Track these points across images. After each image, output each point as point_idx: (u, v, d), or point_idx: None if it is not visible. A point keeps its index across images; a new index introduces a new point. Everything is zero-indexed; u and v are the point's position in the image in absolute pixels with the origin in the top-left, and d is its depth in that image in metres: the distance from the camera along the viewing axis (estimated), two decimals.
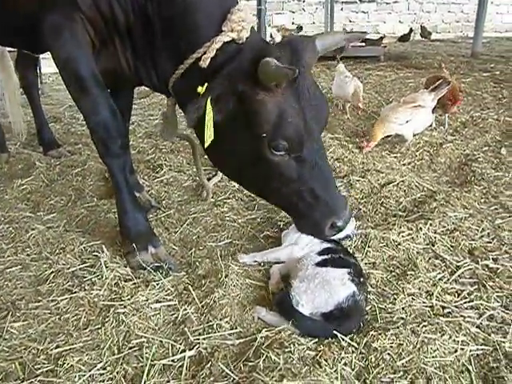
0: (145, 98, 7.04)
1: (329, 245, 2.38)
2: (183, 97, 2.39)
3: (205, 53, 2.17)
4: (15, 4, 2.48)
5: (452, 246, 2.70)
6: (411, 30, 11.62)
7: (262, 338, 1.97)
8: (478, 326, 2.06)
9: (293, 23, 12.85)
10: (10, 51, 4.79)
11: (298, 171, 2.20)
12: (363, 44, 9.84)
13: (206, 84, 2.11)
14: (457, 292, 2.31)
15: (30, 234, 2.97)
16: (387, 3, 14.09)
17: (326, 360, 1.81)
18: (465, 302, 2.22)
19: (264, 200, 2.68)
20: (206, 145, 2.16)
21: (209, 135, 2.13)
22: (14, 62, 4.82)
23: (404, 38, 11.35)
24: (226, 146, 2.26)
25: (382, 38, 10.26)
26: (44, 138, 4.66)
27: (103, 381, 1.86)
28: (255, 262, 2.57)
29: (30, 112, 4.85)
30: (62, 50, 2.42)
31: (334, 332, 1.94)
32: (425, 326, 2.01)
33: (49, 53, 2.53)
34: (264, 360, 1.82)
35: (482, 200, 3.25)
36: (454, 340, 1.95)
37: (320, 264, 2.19)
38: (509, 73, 7.54)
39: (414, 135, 4.30)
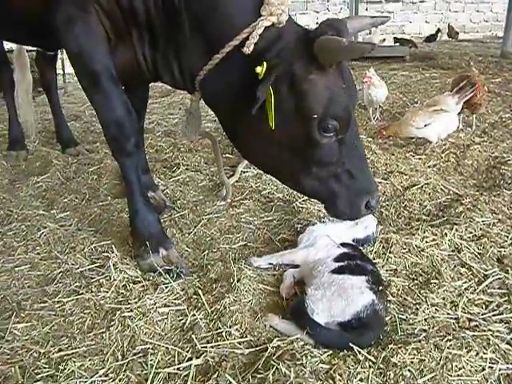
0: (165, 97, 7.02)
1: (346, 250, 2.25)
2: (217, 90, 2.30)
3: (245, 39, 2.09)
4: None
5: (479, 254, 2.53)
6: (438, 30, 11.36)
7: (273, 347, 1.85)
8: (508, 342, 1.89)
9: (317, 23, 12.68)
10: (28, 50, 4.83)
11: (340, 152, 2.22)
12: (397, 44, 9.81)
13: (264, 63, 2.02)
14: (484, 303, 2.15)
15: (41, 233, 2.93)
16: (413, 3, 13.82)
17: (340, 375, 1.68)
18: (493, 315, 2.06)
19: (296, 190, 2.61)
20: (273, 126, 2.09)
21: (271, 118, 2.08)
22: (34, 60, 4.86)
23: (430, 39, 11.10)
24: (269, 132, 2.15)
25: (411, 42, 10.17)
26: (62, 136, 4.66)
27: None
28: (270, 264, 2.46)
29: (50, 110, 4.85)
30: (74, 43, 2.33)
31: (350, 344, 1.81)
32: (449, 340, 1.86)
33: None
34: (274, 372, 1.70)
35: None
36: (482, 357, 1.79)
37: (336, 271, 2.06)
38: None
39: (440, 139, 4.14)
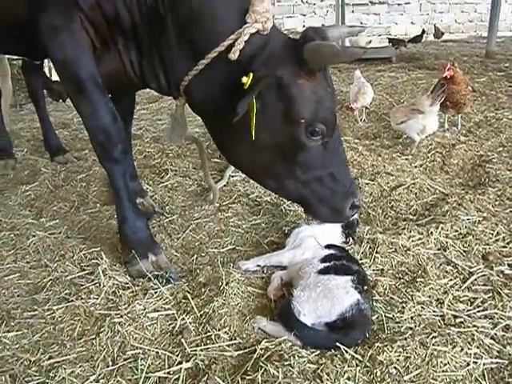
0: (153, 103, 7.03)
1: (332, 251, 2.28)
2: (202, 95, 2.32)
3: (231, 46, 2.11)
4: (10, 8, 2.42)
5: (465, 251, 2.57)
6: (423, 32, 11.46)
7: (261, 349, 1.86)
8: (492, 337, 1.93)
9: (303, 26, 12.75)
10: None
11: (325, 156, 2.27)
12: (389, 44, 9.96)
13: (250, 74, 2.03)
14: (469, 300, 2.18)
15: (30, 241, 2.93)
16: (399, 4, 13.90)
17: (327, 374, 1.70)
18: (478, 311, 2.09)
19: (280, 195, 2.66)
20: (253, 137, 2.10)
21: (252, 128, 2.09)
22: (21, 68, 4.85)
23: (416, 39, 11.20)
24: (256, 138, 2.16)
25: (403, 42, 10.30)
26: (50, 144, 4.65)
27: None
28: (258, 267, 2.49)
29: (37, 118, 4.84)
30: (59, 51, 2.34)
31: (337, 344, 1.83)
32: (435, 337, 1.89)
33: None
34: (263, 373, 1.72)
35: (497, 202, 3.11)
36: (467, 352, 1.82)
37: (322, 272, 2.09)
38: None
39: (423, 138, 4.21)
